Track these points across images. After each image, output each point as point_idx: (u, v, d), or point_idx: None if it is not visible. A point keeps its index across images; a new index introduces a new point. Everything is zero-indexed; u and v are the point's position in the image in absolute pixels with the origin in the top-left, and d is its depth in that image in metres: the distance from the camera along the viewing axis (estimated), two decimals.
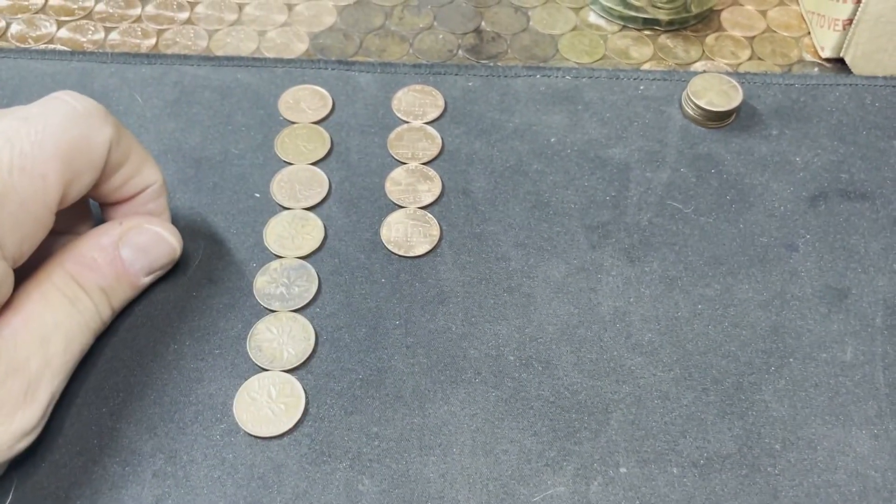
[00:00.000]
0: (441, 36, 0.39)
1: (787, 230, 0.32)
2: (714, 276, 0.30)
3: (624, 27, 0.40)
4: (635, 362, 0.28)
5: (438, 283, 0.30)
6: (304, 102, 0.35)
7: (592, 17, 0.40)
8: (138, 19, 0.39)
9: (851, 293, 0.30)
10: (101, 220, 0.29)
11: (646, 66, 0.38)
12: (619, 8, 0.39)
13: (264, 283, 0.29)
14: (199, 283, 0.30)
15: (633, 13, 0.39)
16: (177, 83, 0.36)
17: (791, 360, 0.28)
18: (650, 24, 0.39)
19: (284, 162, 0.33)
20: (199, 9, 0.40)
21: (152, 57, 0.37)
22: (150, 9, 0.40)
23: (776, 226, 0.32)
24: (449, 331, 0.29)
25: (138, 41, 0.38)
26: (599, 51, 0.39)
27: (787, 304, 0.30)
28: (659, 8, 0.38)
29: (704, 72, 0.37)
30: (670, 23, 0.39)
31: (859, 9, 0.35)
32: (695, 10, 0.39)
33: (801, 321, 0.29)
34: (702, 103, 0.34)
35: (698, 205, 0.33)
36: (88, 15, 0.40)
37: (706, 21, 0.40)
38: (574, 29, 0.40)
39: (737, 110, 0.35)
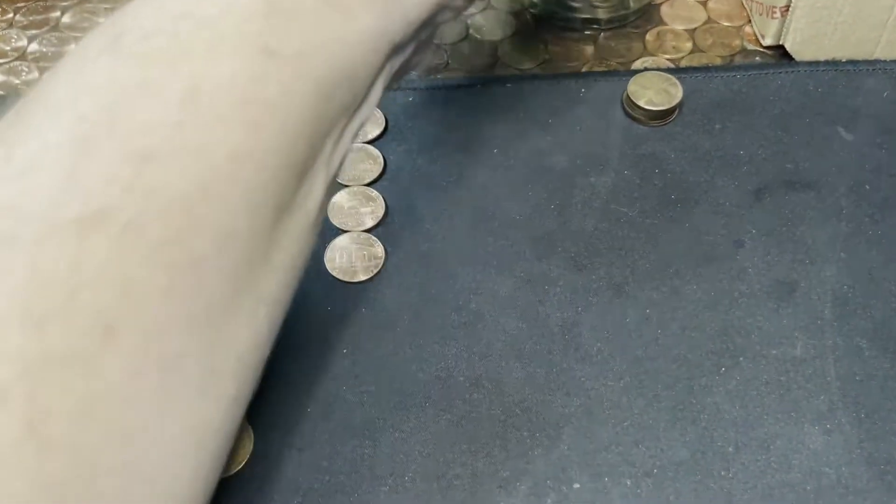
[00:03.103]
0: None
1: (734, 226, 0.32)
2: (661, 279, 0.30)
3: (564, 28, 0.39)
4: (585, 373, 0.28)
5: (385, 307, 0.30)
6: None
7: (532, 21, 0.40)
8: None
9: (800, 286, 0.30)
10: None
11: (588, 68, 0.38)
12: (559, 9, 0.39)
13: None
14: None
15: (571, 14, 0.39)
16: None
17: (741, 359, 0.28)
18: (590, 23, 0.39)
19: None
20: None
21: None
22: None
23: (722, 223, 0.32)
24: (397, 356, 0.29)
25: None
26: (540, 55, 0.38)
27: (735, 302, 0.30)
28: (597, 7, 0.37)
29: (645, 69, 0.37)
30: (610, 21, 0.39)
31: None
32: (633, 5, 0.39)
33: (751, 319, 0.29)
34: (641, 103, 0.34)
35: (643, 207, 0.32)
36: (22, 56, 0.39)
37: (646, 16, 0.40)
38: (514, 34, 0.39)
39: (678, 107, 0.35)
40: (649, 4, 0.39)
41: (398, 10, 0.21)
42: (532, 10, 0.40)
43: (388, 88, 0.24)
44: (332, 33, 0.20)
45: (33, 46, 0.39)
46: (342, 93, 0.20)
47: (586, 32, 0.39)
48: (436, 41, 0.39)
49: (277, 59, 0.19)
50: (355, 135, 0.22)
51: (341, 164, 0.22)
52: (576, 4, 0.38)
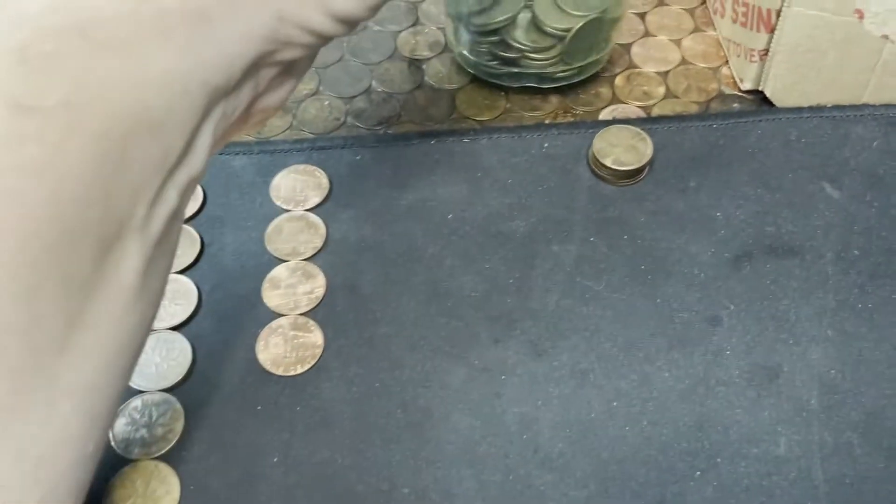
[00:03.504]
0: (327, 102, 0.36)
1: (710, 301, 0.29)
2: (630, 365, 0.27)
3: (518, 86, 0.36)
4: (545, 481, 0.25)
5: (323, 404, 0.27)
6: None
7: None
8: None
9: (783, 371, 0.27)
10: None
11: (552, 118, 0.35)
12: (496, 68, 0.35)
13: (122, 427, 0.26)
14: None
15: (512, 70, 0.35)
16: None
17: (719, 459, 0.25)
18: (538, 79, 0.35)
19: None
20: None
21: None
22: None
23: (697, 297, 0.29)
24: (334, 463, 0.26)
25: None
26: (500, 104, 0.35)
27: (711, 391, 0.27)
28: (533, 62, 0.34)
29: (613, 119, 0.34)
30: (552, 78, 0.35)
31: (773, 38, 0.32)
32: (582, 60, 0.34)
33: (729, 411, 0.26)
34: (608, 163, 0.31)
35: (611, 279, 0.29)
36: None
37: (616, 58, 0.37)
38: (473, 81, 0.36)
39: (649, 164, 0.32)
40: (601, 62, 0.35)
41: (211, 48, 0.18)
42: (477, 74, 0.36)
43: (232, 135, 0.21)
44: (113, 78, 0.17)
45: None
46: (144, 147, 0.17)
47: (543, 87, 0.36)
48: (387, 90, 0.36)
49: (36, 115, 0.16)
50: (185, 191, 0.19)
51: (170, 226, 0.19)
52: (511, 56, 0.34)
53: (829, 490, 0.25)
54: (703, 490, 0.25)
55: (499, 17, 0.33)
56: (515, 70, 0.35)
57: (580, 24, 0.33)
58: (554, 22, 0.33)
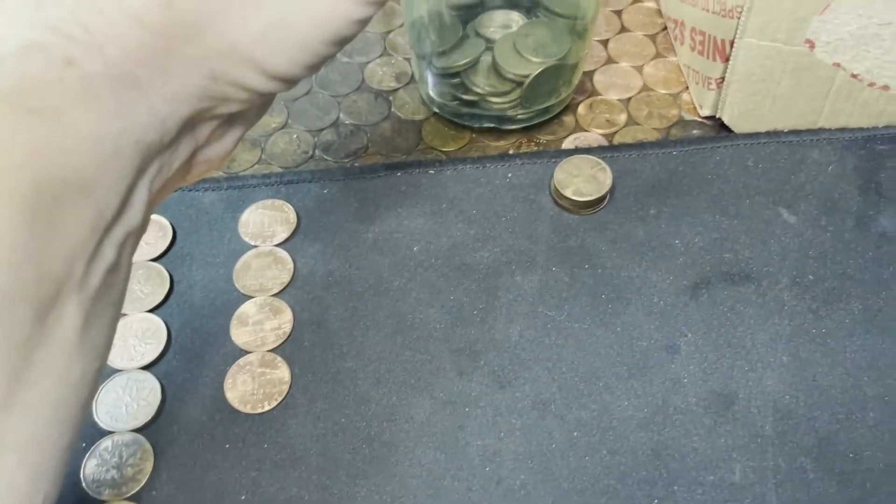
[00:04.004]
0: (296, 136, 0.36)
1: (668, 329, 0.29)
2: (590, 395, 0.28)
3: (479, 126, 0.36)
4: None
5: (290, 441, 0.27)
6: (143, 237, 0.32)
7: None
8: None
9: (739, 398, 0.28)
10: None
11: (517, 147, 0.35)
12: (460, 108, 0.35)
13: (94, 468, 0.26)
14: None
15: (475, 111, 0.35)
16: None
17: (675, 487, 0.26)
18: (498, 121, 0.35)
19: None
20: None
21: None
22: None
23: (656, 325, 0.30)
24: (301, 500, 0.26)
25: None
26: (465, 135, 0.36)
27: (669, 419, 0.27)
28: (492, 104, 0.34)
29: (576, 148, 0.35)
30: (512, 119, 0.35)
31: (728, 68, 0.33)
32: (541, 104, 0.35)
33: (686, 439, 0.27)
34: (569, 193, 0.32)
35: (572, 309, 0.30)
36: None
37: (579, 86, 0.37)
38: (438, 112, 0.37)
39: (609, 192, 0.33)
40: (561, 104, 0.36)
41: (141, 110, 0.18)
42: (436, 111, 0.37)
43: (173, 187, 0.22)
44: (41, 144, 0.17)
45: None
46: (77, 208, 0.18)
47: (504, 128, 0.36)
48: (355, 122, 0.36)
49: None
50: (124, 246, 0.19)
51: (110, 280, 0.19)
52: (472, 98, 0.35)
53: None
54: None
55: (460, 60, 0.33)
56: (476, 111, 0.35)
57: (538, 70, 0.33)
58: (513, 68, 0.33)
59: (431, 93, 0.36)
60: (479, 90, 0.34)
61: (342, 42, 0.21)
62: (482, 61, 0.34)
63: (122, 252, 0.19)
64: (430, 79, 0.35)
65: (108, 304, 0.20)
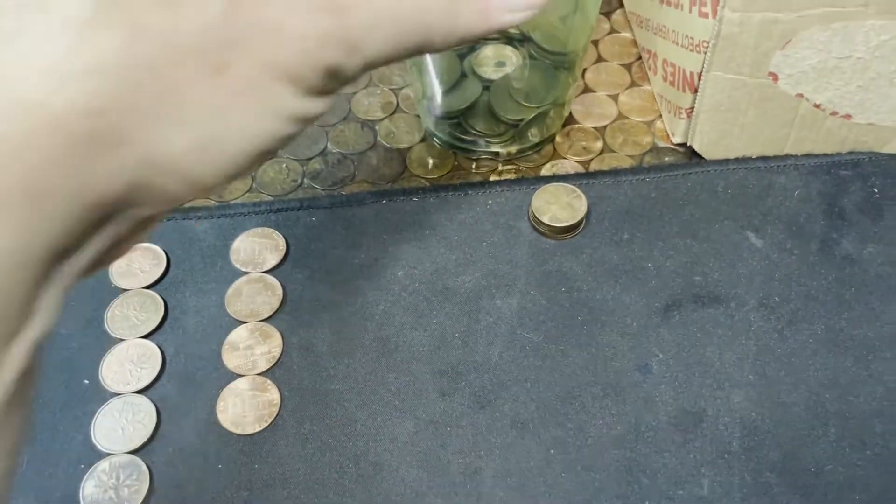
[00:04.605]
0: (285, 165, 0.38)
1: (641, 349, 0.31)
2: (567, 414, 0.29)
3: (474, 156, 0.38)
4: None
5: (279, 461, 0.29)
6: (136, 264, 0.33)
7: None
8: None
9: (707, 416, 0.29)
10: None
11: (497, 174, 0.37)
12: (459, 144, 0.37)
13: (92, 489, 0.28)
14: (24, 499, 0.28)
15: (473, 148, 0.37)
16: None
17: (647, 502, 0.27)
18: (495, 155, 0.37)
19: (116, 339, 0.31)
20: None
21: None
22: None
23: (629, 346, 0.31)
24: None
25: None
26: (449, 163, 0.37)
27: (641, 436, 0.29)
28: (490, 142, 0.36)
29: (553, 175, 0.36)
30: (509, 153, 0.37)
31: (697, 98, 0.35)
32: (532, 139, 0.37)
33: (657, 455, 0.28)
34: (545, 220, 0.33)
35: (549, 331, 0.31)
36: None
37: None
38: (422, 141, 0.38)
39: (585, 218, 0.34)
40: (551, 137, 0.38)
41: (54, 216, 0.17)
42: (433, 141, 0.38)
43: (87, 276, 0.20)
44: None
45: None
46: None
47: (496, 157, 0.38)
48: (342, 151, 0.38)
49: None
50: (33, 350, 0.19)
51: (20, 384, 0.18)
52: (468, 137, 0.37)
53: None
54: None
55: (459, 105, 0.35)
56: (472, 147, 0.37)
57: (532, 115, 0.35)
58: (508, 113, 0.35)
59: (431, 127, 0.38)
60: (476, 132, 0.36)
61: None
62: (479, 104, 0.36)
63: (32, 356, 0.19)
64: (430, 115, 0.37)
65: (17, 407, 0.19)
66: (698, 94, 0.34)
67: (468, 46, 0.36)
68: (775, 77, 0.33)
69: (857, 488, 0.27)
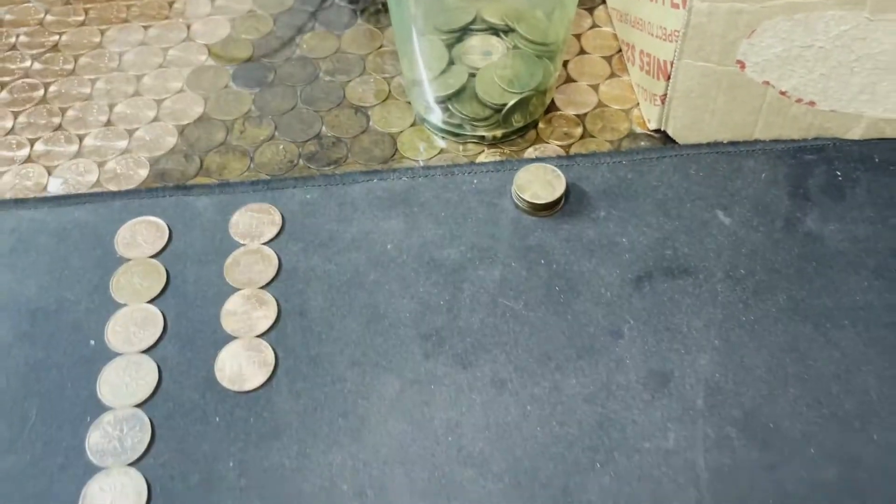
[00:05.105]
0: (282, 146, 0.40)
1: (614, 317, 0.33)
2: (543, 374, 0.31)
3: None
4: (466, 476, 0.29)
5: (273, 416, 0.31)
6: (141, 236, 0.35)
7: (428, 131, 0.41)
8: None
9: (674, 376, 0.31)
10: None
11: (483, 156, 0.39)
12: (447, 128, 0.39)
13: (97, 439, 0.30)
14: (32, 446, 0.30)
15: (460, 131, 0.39)
16: (13, 230, 0.36)
17: (616, 453, 0.29)
18: (480, 138, 0.39)
19: (119, 304, 0.33)
20: (39, 145, 0.40)
21: None
22: None
23: (602, 313, 0.33)
24: (283, 467, 0.29)
25: None
26: (436, 145, 0.40)
27: (612, 395, 0.31)
28: (476, 126, 0.38)
29: (535, 158, 0.39)
30: (494, 137, 0.39)
31: (670, 85, 0.37)
32: (516, 124, 0.39)
33: (626, 412, 0.30)
34: (526, 197, 0.35)
35: (528, 299, 0.33)
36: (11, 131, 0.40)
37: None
38: (412, 125, 0.40)
39: (564, 197, 0.36)
40: (534, 123, 0.40)
41: None
42: (425, 127, 0.40)
43: None
44: None
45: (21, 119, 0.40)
46: None
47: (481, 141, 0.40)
48: (336, 134, 0.40)
49: None
50: None
51: None
52: (455, 122, 0.39)
53: (709, 477, 0.29)
54: (601, 480, 0.29)
55: (446, 90, 0.38)
56: (460, 132, 0.39)
57: (515, 100, 0.37)
58: (493, 98, 0.37)
59: (421, 112, 0.40)
60: (462, 115, 0.38)
61: None
62: (466, 89, 0.38)
63: None
64: (419, 101, 0.39)
65: None
66: (671, 81, 0.37)
67: (455, 37, 0.38)
68: (742, 65, 0.35)
69: (813, 443, 0.29)
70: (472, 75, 0.38)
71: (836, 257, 0.34)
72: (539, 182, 0.36)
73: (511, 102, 0.37)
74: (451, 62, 0.38)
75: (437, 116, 0.39)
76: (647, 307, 0.33)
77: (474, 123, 0.38)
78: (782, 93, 0.36)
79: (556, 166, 0.37)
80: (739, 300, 0.33)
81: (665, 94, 0.38)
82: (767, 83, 0.36)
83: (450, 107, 0.38)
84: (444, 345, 0.32)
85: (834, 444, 0.29)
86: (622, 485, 0.29)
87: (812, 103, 0.37)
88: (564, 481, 0.29)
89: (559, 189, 0.36)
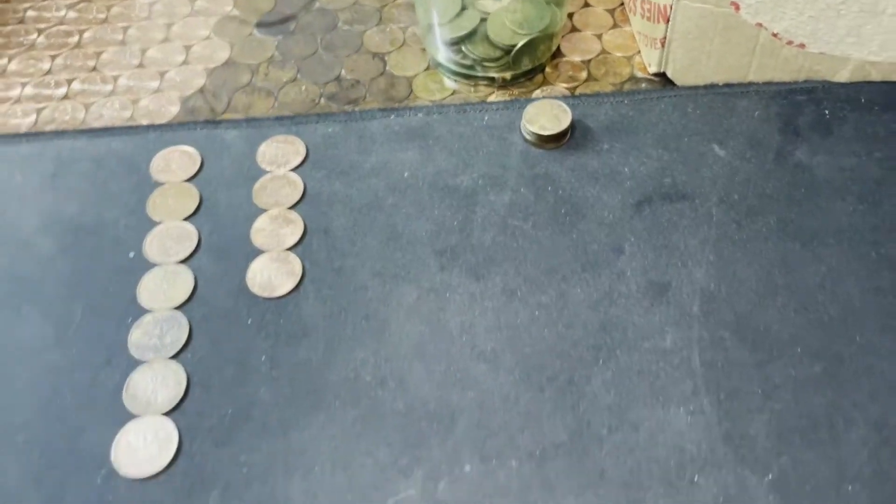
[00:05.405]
0: (304, 87, 0.42)
1: (616, 235, 0.35)
2: (550, 284, 0.34)
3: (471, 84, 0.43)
4: (479, 370, 0.31)
5: (301, 319, 0.33)
6: (174, 163, 0.38)
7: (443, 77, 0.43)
8: (18, 100, 0.42)
9: (672, 286, 0.34)
10: None
11: (493, 97, 0.42)
12: (460, 70, 0.42)
13: (139, 336, 0.32)
14: (77, 345, 0.32)
15: (472, 73, 0.42)
16: (55, 158, 0.39)
17: (617, 351, 0.32)
18: (491, 80, 0.42)
19: (156, 222, 0.36)
20: (76, 84, 0.43)
21: (31, 136, 0.40)
22: (28, 89, 0.42)
23: (605, 232, 0.35)
24: (310, 361, 0.32)
25: (18, 121, 0.41)
26: (449, 88, 0.42)
27: (614, 302, 0.33)
28: (487, 67, 0.41)
29: (543, 97, 0.41)
30: (506, 80, 0.42)
31: (669, 28, 0.40)
32: (526, 66, 0.42)
33: (627, 316, 0.33)
34: (534, 129, 0.38)
35: (536, 221, 0.36)
36: None
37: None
38: (426, 69, 0.43)
39: (569, 131, 0.39)
40: (542, 66, 0.43)
41: None
42: (439, 71, 0.43)
43: None
44: None
45: None
46: None
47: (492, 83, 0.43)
48: (355, 77, 0.42)
49: None
50: None
51: None
52: (467, 62, 0.42)
53: (703, 372, 0.31)
54: (604, 374, 0.31)
55: (459, 32, 0.40)
56: (472, 73, 0.42)
57: (524, 41, 0.40)
58: (503, 39, 0.40)
59: (437, 56, 0.42)
60: (474, 56, 0.41)
61: None
62: (478, 31, 0.40)
63: None
64: (434, 44, 0.42)
65: None
66: (670, 23, 0.39)
67: None
68: (737, 6, 0.38)
69: (800, 344, 0.32)
70: (484, 19, 0.40)
71: (824, 185, 0.37)
72: (546, 115, 0.38)
73: (520, 44, 0.40)
74: (463, 7, 0.40)
75: (450, 59, 0.42)
76: (647, 227, 0.36)
77: (485, 64, 0.41)
78: (774, 35, 0.39)
79: (561, 102, 0.39)
80: (732, 221, 0.36)
81: (665, 37, 0.40)
82: (760, 25, 0.39)
83: (463, 48, 0.41)
84: (458, 259, 0.35)
85: (819, 344, 0.32)
86: (623, 378, 0.31)
87: (802, 45, 0.39)
88: (570, 375, 0.31)
89: (565, 122, 0.38)
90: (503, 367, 0.31)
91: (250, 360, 0.32)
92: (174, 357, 0.32)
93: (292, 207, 0.36)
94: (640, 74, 0.43)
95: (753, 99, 0.40)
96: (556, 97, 0.41)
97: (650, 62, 0.42)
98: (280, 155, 0.38)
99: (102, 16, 0.46)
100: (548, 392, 0.31)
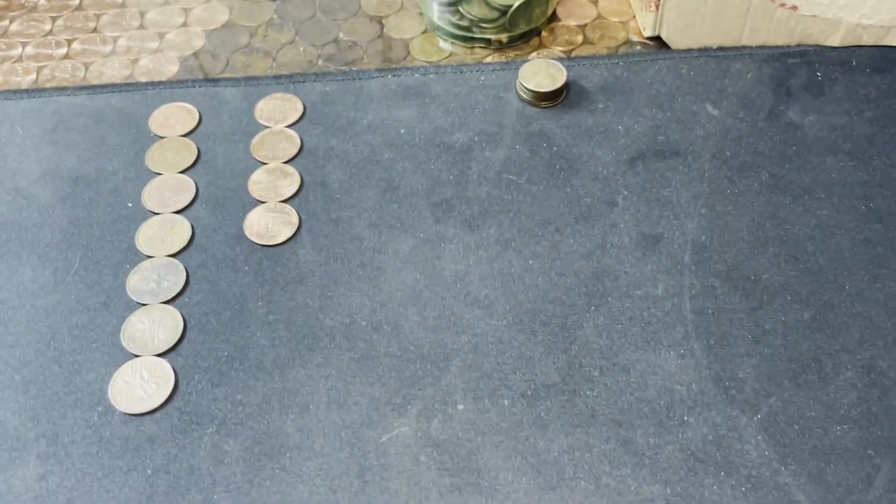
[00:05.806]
0: (302, 49, 0.43)
1: (609, 190, 0.36)
2: (543, 235, 0.34)
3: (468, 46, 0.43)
4: (473, 315, 0.32)
5: (298, 265, 0.33)
6: (173, 119, 0.38)
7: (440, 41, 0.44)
8: (19, 59, 0.42)
9: (664, 238, 0.34)
10: None
11: (490, 59, 0.42)
12: (457, 31, 0.42)
13: (136, 281, 0.32)
14: (75, 289, 0.33)
15: (469, 34, 0.42)
16: (54, 113, 0.39)
17: (609, 298, 0.32)
18: (487, 42, 0.43)
19: (154, 173, 0.36)
20: (76, 45, 0.43)
21: (31, 91, 0.40)
22: (29, 49, 0.43)
23: (599, 187, 0.36)
24: (307, 306, 0.32)
25: (19, 79, 0.41)
26: (446, 50, 0.43)
27: (607, 252, 0.34)
28: (484, 29, 0.41)
29: (536, 58, 0.41)
30: (502, 42, 0.42)
31: None
32: (523, 28, 0.42)
33: (619, 265, 0.33)
34: (530, 86, 0.38)
35: (531, 175, 0.36)
36: None
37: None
38: (424, 32, 0.43)
39: (565, 89, 0.39)
40: (537, 30, 0.43)
41: None
42: (437, 34, 0.43)
43: None
44: None
45: None
46: None
47: (488, 45, 0.43)
48: (353, 39, 0.43)
49: None
50: None
51: None
52: (464, 24, 0.42)
53: (694, 318, 0.31)
54: (596, 319, 0.31)
55: None
56: (469, 34, 0.42)
57: (520, 1, 0.40)
58: (498, 0, 0.40)
59: (434, 18, 0.42)
60: (471, 17, 0.41)
61: None
62: None
63: None
64: (431, 8, 0.42)
65: None
66: None
67: None
68: None
69: (789, 291, 0.32)
70: None
71: (815, 142, 0.37)
72: (542, 74, 0.39)
73: (516, 4, 0.40)
74: None
75: (447, 21, 0.42)
76: (640, 182, 0.36)
77: (482, 26, 0.41)
78: None
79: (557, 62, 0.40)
80: (725, 177, 0.36)
81: (659, 0, 0.41)
82: None
83: (460, 9, 0.41)
84: (454, 211, 0.35)
85: (809, 291, 0.32)
86: (615, 322, 0.31)
87: (794, 7, 0.40)
88: (562, 320, 0.31)
89: (560, 80, 0.38)
90: (496, 312, 0.32)
91: (247, 304, 0.32)
92: (171, 301, 0.32)
93: (289, 161, 0.37)
94: (635, 38, 0.43)
95: (747, 61, 0.41)
96: (551, 58, 0.41)
97: (645, 25, 0.43)
98: (278, 111, 0.39)
99: None
100: (540, 336, 0.31)
